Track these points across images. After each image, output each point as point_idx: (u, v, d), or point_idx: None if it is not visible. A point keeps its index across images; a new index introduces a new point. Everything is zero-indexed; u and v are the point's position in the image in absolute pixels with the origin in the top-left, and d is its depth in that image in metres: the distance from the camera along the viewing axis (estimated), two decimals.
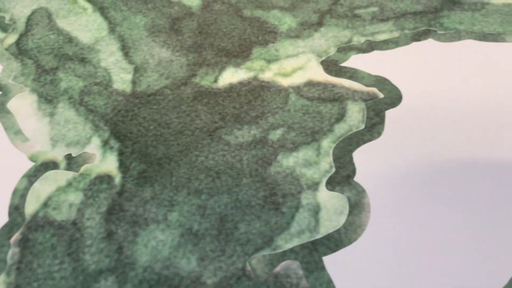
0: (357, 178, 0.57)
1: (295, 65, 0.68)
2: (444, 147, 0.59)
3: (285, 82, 0.66)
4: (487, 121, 0.62)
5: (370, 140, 0.60)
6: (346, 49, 0.70)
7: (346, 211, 0.54)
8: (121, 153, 0.59)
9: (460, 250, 0.51)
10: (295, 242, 0.52)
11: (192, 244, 0.52)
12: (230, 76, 0.67)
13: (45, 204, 0.55)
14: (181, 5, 0.76)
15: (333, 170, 0.58)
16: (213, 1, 0.76)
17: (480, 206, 0.54)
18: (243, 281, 0.50)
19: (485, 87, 0.65)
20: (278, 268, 0.51)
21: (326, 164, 0.58)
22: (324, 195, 0.56)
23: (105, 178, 0.57)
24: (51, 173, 0.58)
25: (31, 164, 0.59)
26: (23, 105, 0.64)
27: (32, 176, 0.58)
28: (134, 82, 0.66)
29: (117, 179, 0.57)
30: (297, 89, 0.65)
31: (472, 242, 0.52)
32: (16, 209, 0.55)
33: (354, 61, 0.68)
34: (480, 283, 0.49)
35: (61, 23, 0.74)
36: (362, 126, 0.61)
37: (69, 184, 0.57)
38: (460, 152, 0.59)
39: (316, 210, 0.54)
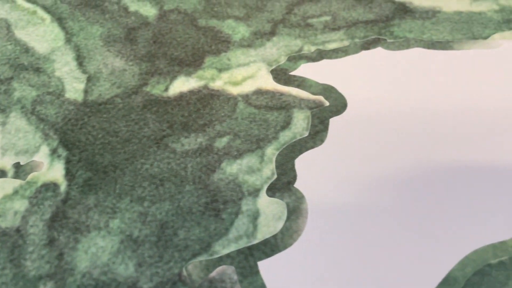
0: (297, 184, 0.58)
1: (245, 74, 0.69)
2: (384, 155, 0.60)
3: (234, 90, 0.67)
4: (432, 129, 0.63)
5: (313, 147, 0.62)
6: (296, 58, 0.71)
7: (284, 217, 0.56)
8: (68, 161, 0.60)
9: (393, 254, 0.52)
10: (232, 248, 0.53)
11: (131, 250, 0.53)
12: (181, 84, 0.68)
13: None
14: (138, 15, 0.77)
15: (275, 176, 0.59)
16: (169, 11, 0.78)
17: (413, 211, 0.55)
18: (178, 286, 0.51)
19: (431, 95, 0.67)
20: (213, 273, 0.52)
21: (269, 171, 0.59)
22: (264, 201, 0.57)
23: (51, 186, 0.58)
24: None
25: None
26: None
27: None
28: (86, 91, 0.67)
29: (63, 187, 0.58)
30: (246, 98, 0.66)
31: (405, 247, 0.53)
32: None
33: (304, 70, 0.70)
34: (413, 285, 0.50)
35: (19, 33, 0.75)
36: (306, 134, 0.63)
37: (16, 192, 0.58)
38: (399, 160, 0.60)
39: (255, 216, 0.56)
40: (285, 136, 0.62)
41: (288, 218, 0.56)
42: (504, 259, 0.52)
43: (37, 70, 0.70)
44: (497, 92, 0.67)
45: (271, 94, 0.67)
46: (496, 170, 0.59)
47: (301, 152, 0.61)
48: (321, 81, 0.69)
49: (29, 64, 0.70)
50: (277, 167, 0.60)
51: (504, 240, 0.53)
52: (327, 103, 0.66)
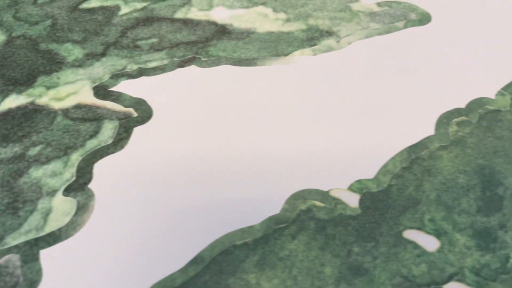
0: (92, 185, 0.68)
1: (70, 91, 0.79)
2: (170, 158, 0.70)
3: (57, 105, 0.77)
4: (221, 135, 0.73)
5: (113, 152, 0.71)
6: (119, 75, 0.81)
7: (73, 212, 0.65)
8: None
9: (158, 242, 0.62)
10: (22, 239, 0.62)
11: None
12: (11, 101, 0.77)
13: None
14: None
15: (73, 179, 0.68)
16: (16, 37, 0.87)
17: (182, 205, 0.65)
18: None
19: (231, 107, 0.77)
20: (0, 261, 0.61)
21: (69, 174, 0.69)
22: (59, 200, 0.66)
23: None
24: None
25: None
26: None
27: None
28: None
29: None
30: (65, 111, 0.76)
31: (168, 236, 0.62)
32: None
33: (123, 86, 0.80)
34: (168, 265, 0.60)
35: None
36: (110, 141, 0.72)
37: None
38: (182, 164, 0.70)
39: (47, 213, 0.65)
40: (91, 144, 0.72)
41: (76, 213, 0.65)
42: (248, 241, 0.62)
43: None
44: (287, 100, 0.77)
45: (89, 107, 0.76)
46: (282, 163, 0.69)
47: (102, 157, 0.71)
48: (136, 96, 0.78)
49: None
50: (77, 170, 0.69)
51: (253, 225, 0.63)
52: (135, 114, 0.75)
